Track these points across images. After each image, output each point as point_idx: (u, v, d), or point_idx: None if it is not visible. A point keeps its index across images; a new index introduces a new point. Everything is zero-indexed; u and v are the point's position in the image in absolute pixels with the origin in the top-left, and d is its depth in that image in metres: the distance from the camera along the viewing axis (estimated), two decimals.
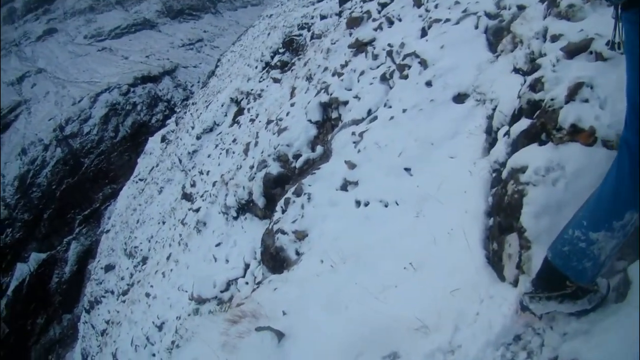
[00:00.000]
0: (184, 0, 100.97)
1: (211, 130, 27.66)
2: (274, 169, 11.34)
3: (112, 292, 30.76)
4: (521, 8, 7.18)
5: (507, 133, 5.03)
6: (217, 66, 49.31)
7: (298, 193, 8.68)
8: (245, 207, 12.97)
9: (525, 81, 5.13)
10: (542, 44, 5.26)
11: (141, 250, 27.41)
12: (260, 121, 18.56)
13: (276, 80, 21.73)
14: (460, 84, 7.39)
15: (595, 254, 2.89)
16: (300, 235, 7.86)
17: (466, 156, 6.04)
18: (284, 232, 8.18)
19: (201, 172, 22.92)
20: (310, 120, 11.43)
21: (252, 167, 13.31)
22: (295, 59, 21.53)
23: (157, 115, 71.13)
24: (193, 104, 44.55)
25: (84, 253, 55.70)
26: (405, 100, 8.25)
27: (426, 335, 4.17)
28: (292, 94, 15.96)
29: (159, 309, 16.05)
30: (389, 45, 10.57)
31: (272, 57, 24.89)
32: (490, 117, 6.13)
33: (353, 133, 8.83)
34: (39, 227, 59.03)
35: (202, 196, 19.40)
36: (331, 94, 11.00)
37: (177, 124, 44.97)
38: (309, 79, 14.88)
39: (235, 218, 13.47)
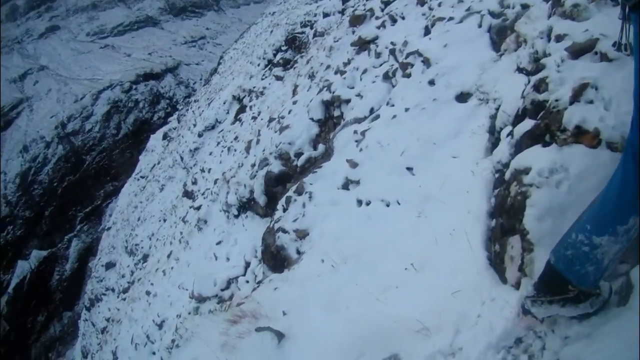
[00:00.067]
0: None
1: (213, 127, 27.62)
2: (276, 167, 11.33)
3: (113, 290, 30.67)
4: (525, 7, 7.14)
5: (511, 133, 4.99)
6: (219, 63, 49.34)
7: (299, 192, 8.67)
8: (246, 206, 12.94)
9: (529, 81, 5.08)
10: (547, 44, 5.21)
11: (142, 248, 27.35)
12: (262, 119, 18.55)
13: (278, 78, 21.69)
14: (463, 83, 7.36)
15: (599, 259, 2.85)
16: (301, 234, 7.84)
17: (469, 156, 6.01)
18: (285, 231, 8.16)
19: (202, 170, 22.89)
20: (312, 119, 11.41)
21: (253, 165, 13.29)
22: (297, 57, 21.50)
23: (159, 113, 71.11)
24: (195, 101, 44.57)
25: (85, 250, 55.65)
26: (407, 98, 8.22)
27: (427, 337, 4.15)
28: (294, 92, 15.95)
29: (160, 307, 16.00)
30: (392, 43, 10.55)
31: (275, 55, 24.85)
32: (493, 117, 6.10)
33: (355, 131, 8.82)
34: (40, 225, 58.99)
35: (203, 194, 19.37)
36: (333, 92, 10.97)
37: (179, 122, 44.98)
38: (312, 76, 14.86)
39: (237, 216, 13.43)
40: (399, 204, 6.48)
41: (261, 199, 11.76)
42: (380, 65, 10.53)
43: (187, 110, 44.50)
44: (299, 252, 7.68)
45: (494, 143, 5.75)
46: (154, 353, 14.80)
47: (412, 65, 8.88)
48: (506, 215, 4.25)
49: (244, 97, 24.93)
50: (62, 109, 67.69)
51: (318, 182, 8.52)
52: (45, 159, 63.14)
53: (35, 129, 65.31)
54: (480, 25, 8.16)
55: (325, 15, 21.77)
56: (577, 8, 4.92)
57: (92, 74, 75.09)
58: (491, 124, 6.11)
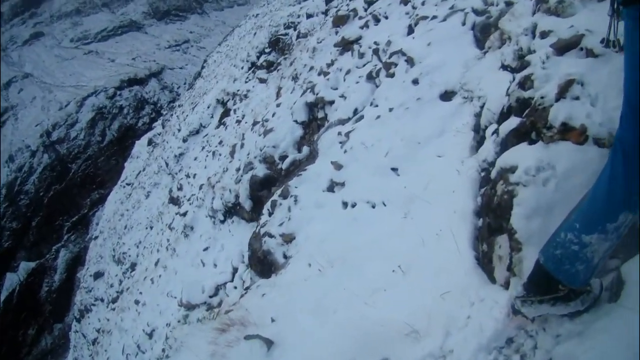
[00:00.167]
0: (170, 1, 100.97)
1: (197, 132, 27.58)
2: (260, 170, 11.29)
3: (102, 300, 30.55)
4: (509, 4, 7.12)
5: (496, 132, 4.97)
6: (203, 67, 49.25)
7: (284, 195, 8.61)
8: (232, 210, 12.90)
9: (514, 78, 5.05)
10: (531, 41, 5.20)
11: (129, 256, 27.27)
12: (246, 122, 18.50)
13: (262, 81, 21.65)
14: (447, 81, 7.33)
15: (589, 257, 2.83)
16: (288, 238, 7.78)
17: (454, 155, 5.98)
18: (271, 236, 8.11)
19: (188, 175, 22.84)
20: (296, 121, 11.37)
21: (238, 170, 13.25)
22: (281, 59, 21.44)
23: (144, 118, 70.98)
24: (179, 106, 44.45)
25: (73, 260, 55.26)
26: (391, 98, 8.19)
27: (417, 341, 4.10)
28: (278, 94, 15.94)
29: (149, 316, 15.97)
30: (375, 43, 10.52)
31: (258, 57, 24.80)
32: (478, 115, 6.07)
33: (339, 133, 8.78)
34: (27, 236, 58.55)
35: (189, 200, 19.35)
36: (317, 94, 10.92)
37: (163, 127, 44.90)
38: (295, 78, 14.82)
39: (223, 221, 13.41)
40: (384, 205, 6.43)
41: (247, 204, 11.73)
42: (364, 65, 10.50)
43: (172, 115, 44.41)
44: (285, 257, 7.62)
45: (479, 141, 5.72)
46: None
47: (396, 65, 8.84)
48: (493, 215, 4.21)
49: (228, 100, 24.88)
50: (47, 117, 67.38)
51: (303, 185, 8.47)
52: (31, 168, 62.79)
53: (20, 137, 64.93)
54: (464, 23, 8.14)
55: (309, 16, 21.75)
56: (561, 4, 4.90)
57: (77, 81, 74.83)
58: (476, 122, 6.09)
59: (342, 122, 9.27)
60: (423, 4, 10.04)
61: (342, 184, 7.60)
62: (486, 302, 3.88)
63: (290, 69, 16.93)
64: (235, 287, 10.39)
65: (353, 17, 13.48)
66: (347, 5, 15.15)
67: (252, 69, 24.47)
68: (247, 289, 8.41)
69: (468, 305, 4.01)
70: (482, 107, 5.94)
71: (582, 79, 3.80)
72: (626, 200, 2.67)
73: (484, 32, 7.55)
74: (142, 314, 16.99)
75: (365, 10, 13.26)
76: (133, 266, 25.26)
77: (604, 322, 2.98)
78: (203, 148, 24.14)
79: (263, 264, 8.17)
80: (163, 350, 11.50)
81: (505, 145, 4.56)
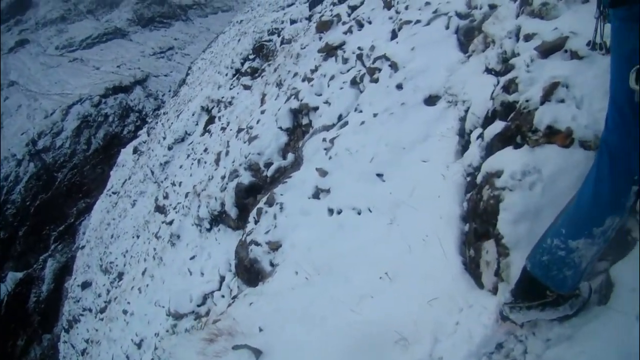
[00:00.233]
0: (154, 8, 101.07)
1: (183, 140, 27.55)
2: (246, 178, 11.24)
3: (90, 310, 30.39)
4: (493, 7, 7.11)
5: (481, 136, 4.94)
6: (187, 74, 49.37)
7: (270, 203, 8.56)
8: (218, 219, 12.87)
9: (498, 82, 5.05)
10: (515, 44, 5.19)
11: (116, 265, 27.18)
12: (231, 129, 18.50)
13: (246, 87, 21.64)
14: (431, 85, 7.31)
15: (576, 262, 2.82)
16: (274, 246, 7.74)
17: (439, 159, 5.97)
18: (257, 244, 8.05)
19: (173, 184, 22.82)
20: (280, 128, 11.33)
21: (223, 177, 13.23)
22: (265, 65, 21.45)
23: (129, 126, 71.02)
24: (164, 113, 44.45)
25: (60, 270, 54.92)
26: (375, 104, 8.17)
27: (405, 348, 4.05)
28: (262, 101, 15.92)
29: (137, 326, 15.95)
30: (359, 48, 10.51)
31: (243, 64, 24.83)
32: (462, 119, 6.06)
33: (324, 139, 8.74)
34: (14, 245, 58.31)
35: (175, 208, 19.31)
36: (301, 100, 10.89)
37: (148, 135, 44.86)
38: (279, 85, 14.81)
39: (209, 230, 13.37)
40: (370, 211, 6.39)
41: (232, 212, 11.68)
42: (348, 71, 10.48)
43: (157, 123, 44.40)
44: (272, 265, 7.57)
45: (464, 146, 5.71)
46: None
47: (380, 70, 8.82)
48: (479, 220, 4.18)
49: (213, 107, 24.89)
50: (33, 125, 67.27)
51: (288, 192, 8.43)
52: (17, 177, 62.68)
53: (6, 146, 64.64)
54: (447, 27, 8.14)
55: (293, 22, 21.83)
56: (545, 6, 4.89)
57: (62, 89, 74.78)
58: (460, 127, 6.07)
59: (327, 128, 9.25)
60: (406, 8, 10.04)
61: (328, 191, 7.57)
62: (474, 308, 3.86)
63: (274, 75, 16.93)
64: (223, 296, 10.35)
65: (337, 22, 13.49)
66: (331, 10, 15.19)
67: (237, 76, 24.51)
68: (234, 297, 8.35)
69: (456, 311, 3.97)
70: (466, 111, 5.92)
71: (567, 82, 3.78)
72: (613, 204, 2.65)
73: (467, 36, 7.55)
74: (131, 324, 16.98)
75: (349, 15, 13.28)
76: (120, 276, 25.18)
77: (594, 326, 2.97)
78: (188, 156, 24.10)
79: (250, 273, 8.10)
80: None
81: (490, 149, 4.53)
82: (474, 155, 4.94)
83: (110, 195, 44.80)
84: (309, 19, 19.82)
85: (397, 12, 10.41)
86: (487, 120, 5.00)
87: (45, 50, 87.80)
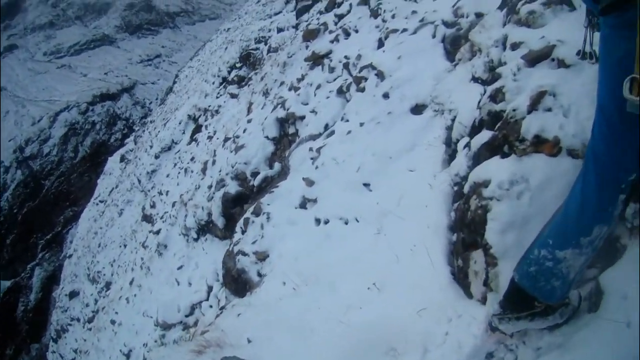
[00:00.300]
0: (142, 15, 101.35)
1: (169, 148, 27.52)
2: (232, 188, 11.20)
3: (78, 320, 30.23)
4: (479, 16, 7.11)
5: (468, 145, 4.93)
6: (174, 82, 49.28)
7: (257, 213, 8.52)
8: (205, 228, 12.84)
9: (485, 91, 5.03)
10: (502, 52, 5.18)
11: (104, 275, 27.10)
12: (218, 138, 18.49)
13: (233, 96, 21.63)
14: (417, 94, 7.28)
15: (564, 273, 2.82)
16: (261, 256, 7.70)
17: (425, 169, 5.95)
18: (244, 254, 8.00)
19: (160, 193, 22.80)
20: (267, 137, 11.29)
21: (210, 187, 13.21)
22: (252, 74, 21.44)
23: (116, 134, 71.10)
24: (151, 122, 44.38)
25: (48, 279, 54.68)
26: (362, 113, 8.15)
27: (395, 359, 4.06)
28: (249, 110, 15.89)
29: (125, 336, 15.90)
30: (346, 57, 10.49)
31: (230, 72, 24.84)
32: (449, 128, 6.04)
33: (310, 149, 8.71)
34: (2, 253, 58.05)
35: (162, 217, 19.28)
36: (288, 109, 10.86)
37: (135, 143, 44.77)
38: (266, 94, 14.78)
39: (196, 239, 13.34)
40: (357, 221, 6.38)
41: (219, 221, 11.65)
42: (334, 80, 10.45)
43: (144, 131, 44.32)
44: (260, 275, 7.52)
45: (451, 155, 5.70)
46: None
47: (366, 79, 8.79)
48: (467, 230, 4.19)
49: (200, 116, 24.88)
50: (20, 132, 67.17)
51: (275, 202, 8.39)
52: (4, 184, 62.55)
53: None
54: (434, 36, 8.11)
55: (279, 30, 21.81)
56: (532, 15, 4.88)
57: (49, 95, 74.78)
58: (447, 136, 6.06)
59: (313, 137, 9.23)
60: (393, 17, 10.03)
61: (315, 201, 7.54)
62: (464, 317, 3.85)
63: (261, 84, 16.90)
64: (211, 306, 10.34)
65: (323, 31, 13.47)
66: (318, 19, 15.15)
67: (223, 84, 24.52)
68: (222, 308, 8.31)
69: (445, 321, 3.96)
70: (453, 120, 5.91)
71: (554, 90, 3.78)
72: (600, 213, 2.66)
73: (454, 45, 7.52)
74: (119, 334, 16.93)
75: (336, 24, 13.25)
76: (108, 285, 25.07)
77: (584, 334, 2.97)
78: (175, 165, 24.09)
79: (237, 283, 8.06)
80: None
81: (477, 159, 4.52)
82: (461, 164, 4.92)
83: (97, 204, 44.66)
84: (296, 27, 19.78)
85: (384, 21, 10.39)
86: (474, 130, 4.99)
87: (33, 56, 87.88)
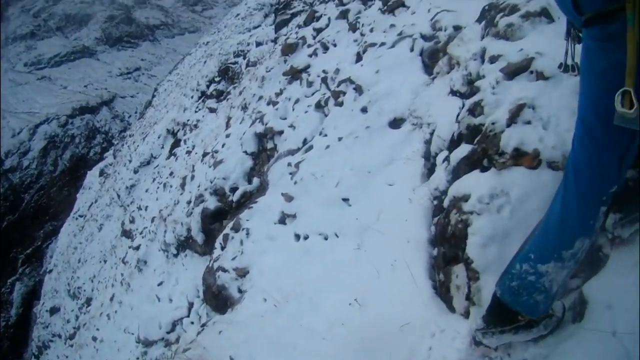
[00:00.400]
0: (122, 27, 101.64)
1: (148, 163, 27.39)
2: (211, 203, 11.13)
3: (60, 336, 29.93)
4: (457, 29, 7.14)
5: (447, 159, 4.94)
6: (153, 96, 49.24)
7: (236, 228, 8.47)
8: (184, 244, 12.74)
9: (463, 105, 5.05)
10: (480, 65, 5.20)
11: (84, 290, 26.84)
12: (196, 153, 18.44)
13: (212, 110, 21.58)
14: (395, 108, 7.28)
15: (546, 286, 2.81)
16: (241, 273, 7.64)
17: (404, 183, 5.95)
18: (224, 270, 7.95)
19: (140, 208, 22.65)
20: (245, 152, 11.23)
21: (189, 202, 13.12)
22: (230, 88, 21.40)
23: (96, 148, 70.92)
24: (130, 135, 44.26)
25: (29, 294, 54.21)
26: (340, 127, 8.13)
27: None
28: (227, 124, 15.84)
29: (107, 354, 15.73)
30: (324, 71, 10.49)
31: (208, 86, 24.77)
32: (428, 142, 6.06)
33: (289, 164, 8.67)
34: None
35: (141, 233, 19.15)
36: (266, 124, 10.83)
37: (115, 157, 44.58)
38: (244, 108, 14.74)
39: (176, 255, 13.25)
40: (337, 236, 6.37)
41: (199, 237, 11.58)
42: (313, 94, 10.43)
43: (123, 145, 44.17)
44: (240, 291, 7.49)
45: (430, 169, 5.72)
46: None
47: (344, 93, 8.78)
48: (448, 244, 4.18)
49: (178, 130, 24.80)
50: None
51: (254, 217, 8.35)
52: None
53: None
54: (412, 49, 8.12)
55: (258, 44, 21.81)
56: (511, 28, 4.90)
57: (29, 107, 74.32)
58: (426, 149, 6.08)
59: (292, 152, 9.20)
60: (371, 30, 10.05)
61: (294, 216, 7.50)
62: (447, 332, 3.83)
63: (239, 99, 16.88)
64: (192, 323, 10.24)
65: (302, 45, 13.47)
66: (297, 33, 15.20)
67: (202, 98, 24.45)
68: (203, 325, 8.23)
69: (429, 336, 3.94)
70: (431, 133, 5.93)
71: (533, 103, 3.80)
72: (581, 225, 2.65)
73: (432, 58, 7.54)
74: (101, 351, 16.76)
75: (314, 38, 13.26)
76: (88, 301, 24.83)
77: (569, 344, 2.96)
78: (154, 179, 23.95)
79: (218, 299, 8.02)
80: None
81: (456, 173, 4.52)
82: (440, 178, 4.92)
83: (76, 219, 44.36)
84: (275, 41, 19.79)
85: (362, 35, 10.42)
86: (453, 143, 5.00)
87: (14, 66, 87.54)
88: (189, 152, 20.31)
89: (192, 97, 26.21)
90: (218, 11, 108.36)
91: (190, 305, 10.90)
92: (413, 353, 3.90)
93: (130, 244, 19.82)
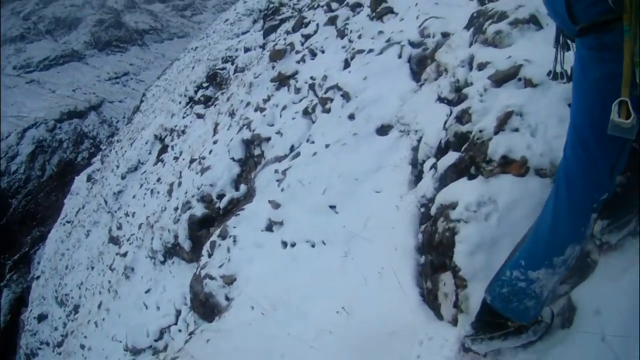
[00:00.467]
0: (111, 32, 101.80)
1: (136, 169, 27.38)
2: (198, 210, 11.10)
3: (48, 344, 29.85)
4: (446, 35, 7.16)
5: (434, 166, 4.93)
6: (142, 101, 49.26)
7: (223, 236, 8.44)
8: (172, 251, 12.70)
9: (451, 112, 5.04)
10: (469, 73, 5.19)
11: (72, 298, 26.73)
12: (183, 159, 18.42)
13: (200, 116, 21.53)
14: (383, 115, 7.28)
15: (537, 292, 2.82)
16: (229, 280, 7.61)
17: (392, 190, 5.94)
18: (211, 277, 7.91)
19: (127, 214, 22.60)
20: (233, 158, 11.21)
21: (176, 209, 13.08)
22: (218, 94, 21.38)
23: (83, 153, 70.85)
24: (118, 141, 44.21)
25: (17, 301, 54.01)
26: (328, 134, 8.14)
27: None
28: (215, 130, 15.81)
29: None
30: (312, 78, 10.47)
31: (196, 92, 24.72)
32: (415, 149, 6.05)
33: (276, 171, 8.66)
34: None
35: (128, 240, 19.12)
36: (253, 130, 10.81)
37: (102, 163, 44.50)
38: (232, 114, 14.71)
39: (163, 262, 13.20)
40: (324, 244, 6.36)
41: (186, 244, 11.55)
42: (300, 100, 10.43)
43: (110, 150, 44.10)
44: (228, 299, 7.45)
45: (417, 176, 5.70)
46: None
47: (332, 100, 8.78)
48: (435, 252, 4.16)
49: (166, 136, 24.77)
50: None
51: (241, 224, 8.33)
52: None
53: None
54: (400, 56, 8.11)
55: (247, 50, 21.82)
56: (499, 35, 4.90)
57: (18, 111, 74.30)
58: (413, 156, 6.07)
59: (279, 159, 9.19)
60: (360, 37, 10.04)
61: (281, 223, 7.50)
62: (435, 340, 3.83)
63: (227, 105, 16.85)
64: (180, 331, 10.23)
65: (290, 51, 13.44)
66: (285, 39, 15.19)
67: (190, 104, 24.42)
68: (191, 333, 8.21)
69: (417, 343, 3.93)
70: (419, 140, 5.92)
71: (521, 110, 3.80)
72: (573, 233, 2.65)
73: (420, 65, 7.55)
74: (89, 359, 16.68)
75: (302, 44, 13.24)
76: (76, 308, 24.76)
77: (559, 350, 2.96)
78: (141, 186, 23.93)
79: (205, 307, 7.98)
80: None
81: (444, 180, 4.51)
82: (428, 186, 4.90)
83: (64, 225, 44.21)
84: (263, 47, 19.79)
85: (350, 41, 10.41)
86: (440, 151, 5.00)
87: (3, 69, 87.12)
88: (176, 158, 20.30)
89: (180, 102, 26.16)
90: (207, 16, 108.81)
91: (178, 312, 10.87)
92: None
93: (118, 251, 19.76)
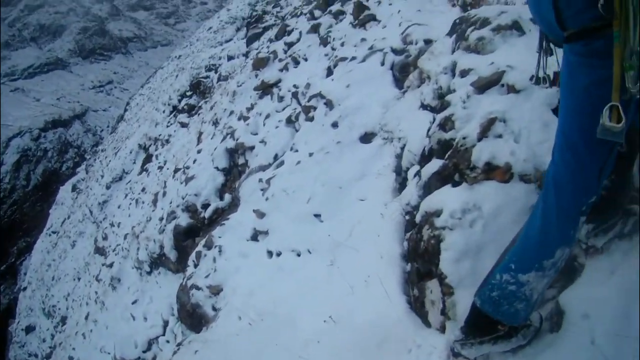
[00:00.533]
0: (95, 39, 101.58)
1: (120, 178, 27.31)
2: (183, 220, 11.06)
3: (36, 356, 29.67)
4: (428, 42, 7.19)
5: (418, 174, 4.92)
6: (126, 110, 49.12)
7: (209, 246, 8.42)
8: (158, 261, 12.64)
9: (434, 119, 5.04)
10: (451, 79, 5.19)
11: (59, 309, 26.62)
12: (168, 169, 18.36)
13: (184, 125, 21.49)
14: (366, 123, 7.30)
15: (527, 295, 2.82)
16: (215, 290, 7.61)
17: (376, 198, 5.94)
18: (198, 288, 7.91)
19: (112, 224, 22.52)
20: (217, 168, 11.18)
21: (161, 219, 13.05)
22: (202, 102, 21.35)
23: (68, 163, 70.54)
24: (102, 150, 44.04)
25: (4, 312, 53.55)
26: (311, 143, 8.13)
27: None
28: (199, 140, 15.78)
29: None
30: (295, 86, 10.47)
31: (180, 101, 24.67)
32: (399, 156, 6.06)
33: (260, 180, 8.64)
34: None
35: (114, 250, 19.02)
36: (237, 139, 10.80)
37: (87, 172, 44.29)
38: (216, 123, 14.68)
39: (149, 273, 13.13)
40: (309, 252, 6.35)
41: (172, 254, 11.51)
42: (283, 109, 10.42)
43: (95, 160, 43.93)
44: (215, 309, 7.45)
45: (401, 183, 5.70)
46: None
47: (315, 108, 8.79)
48: (421, 260, 4.15)
49: (150, 145, 24.69)
50: None
51: (226, 234, 8.32)
52: None
53: None
54: (382, 63, 8.14)
55: (230, 58, 21.80)
56: (482, 41, 4.91)
57: (2, 120, 73.50)
58: (397, 164, 6.08)
59: (263, 168, 9.19)
60: (342, 44, 10.07)
61: (266, 233, 7.49)
62: (424, 347, 3.82)
63: (210, 113, 16.83)
64: (168, 341, 10.14)
65: (273, 59, 13.46)
66: (268, 47, 15.21)
67: (174, 113, 24.38)
68: (179, 345, 8.20)
69: (405, 352, 3.93)
70: (402, 148, 5.93)
71: (505, 116, 3.81)
72: (562, 236, 2.66)
73: (403, 72, 7.57)
74: None
75: (285, 52, 13.26)
76: (64, 320, 24.63)
77: (548, 354, 2.97)
78: (126, 195, 23.87)
79: (193, 317, 7.99)
80: None
81: (428, 188, 4.51)
82: (412, 194, 4.90)
83: (50, 235, 43.99)
84: (247, 55, 19.81)
85: (333, 49, 10.43)
86: (424, 158, 5.00)
87: None
88: (160, 168, 20.24)
89: (163, 111, 26.11)
90: (191, 24, 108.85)
91: (165, 323, 10.80)
92: None
93: (104, 262, 19.67)
